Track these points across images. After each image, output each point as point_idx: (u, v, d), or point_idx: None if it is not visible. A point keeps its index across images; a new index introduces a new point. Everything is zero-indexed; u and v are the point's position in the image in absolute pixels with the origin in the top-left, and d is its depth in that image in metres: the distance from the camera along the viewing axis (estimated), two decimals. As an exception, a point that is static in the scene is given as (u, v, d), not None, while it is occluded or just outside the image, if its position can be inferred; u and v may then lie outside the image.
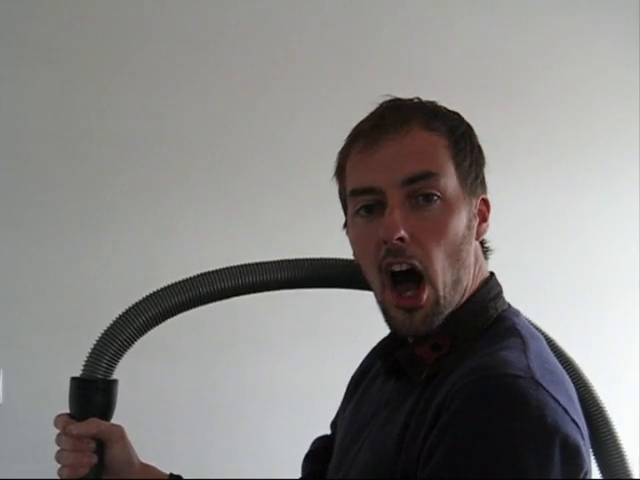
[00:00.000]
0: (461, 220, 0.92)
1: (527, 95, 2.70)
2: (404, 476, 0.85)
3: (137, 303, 0.96)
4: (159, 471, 1.05)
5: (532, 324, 1.02)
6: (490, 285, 0.96)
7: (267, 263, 1.01)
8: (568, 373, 1.01)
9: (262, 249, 2.26)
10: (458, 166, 0.93)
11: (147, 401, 2.25)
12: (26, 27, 2.30)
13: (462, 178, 0.93)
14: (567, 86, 2.75)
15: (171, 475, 1.05)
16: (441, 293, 0.91)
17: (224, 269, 0.99)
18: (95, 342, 0.95)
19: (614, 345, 2.68)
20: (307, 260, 1.03)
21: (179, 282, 0.98)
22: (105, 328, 0.95)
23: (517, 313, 0.97)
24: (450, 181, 0.92)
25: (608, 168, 2.76)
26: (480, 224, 0.96)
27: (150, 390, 2.28)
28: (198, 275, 0.98)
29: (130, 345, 0.95)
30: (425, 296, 0.91)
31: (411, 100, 0.98)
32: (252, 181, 2.42)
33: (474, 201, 0.95)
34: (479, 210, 0.96)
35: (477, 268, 0.96)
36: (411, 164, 0.91)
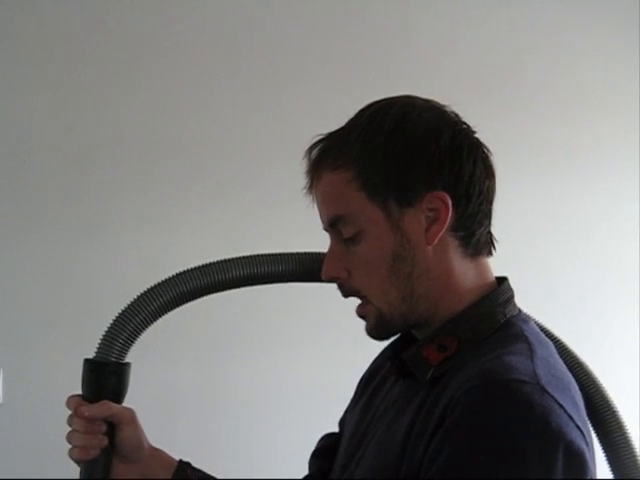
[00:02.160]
0: (387, 244, 0.92)
1: (536, 99, 2.73)
2: (407, 478, 0.85)
3: (152, 287, 0.96)
4: (169, 455, 1.05)
5: (543, 329, 1.02)
6: (501, 289, 0.95)
7: (283, 254, 1.00)
8: (580, 376, 1.03)
9: (264, 249, 2.26)
10: (370, 192, 0.92)
11: (150, 401, 2.25)
12: (27, 28, 2.31)
13: (380, 200, 0.92)
14: (574, 88, 2.78)
15: (180, 461, 1.06)
16: (385, 310, 0.94)
17: (241, 257, 0.99)
18: (109, 324, 0.95)
19: (615, 345, 2.70)
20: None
21: (196, 268, 0.98)
22: (119, 312, 0.95)
23: (526, 319, 0.96)
24: (364, 213, 0.92)
25: (612, 169, 2.79)
26: (429, 227, 0.92)
27: (153, 390, 2.27)
28: (215, 262, 0.98)
29: (144, 329, 0.95)
30: (368, 310, 0.96)
31: (340, 130, 0.97)
32: (254, 181, 2.44)
33: (409, 211, 0.92)
34: (426, 215, 0.92)
35: (448, 266, 0.93)
36: (325, 210, 0.97)
